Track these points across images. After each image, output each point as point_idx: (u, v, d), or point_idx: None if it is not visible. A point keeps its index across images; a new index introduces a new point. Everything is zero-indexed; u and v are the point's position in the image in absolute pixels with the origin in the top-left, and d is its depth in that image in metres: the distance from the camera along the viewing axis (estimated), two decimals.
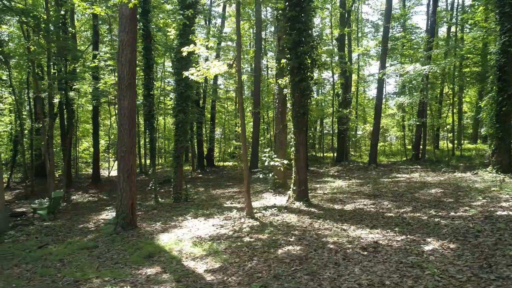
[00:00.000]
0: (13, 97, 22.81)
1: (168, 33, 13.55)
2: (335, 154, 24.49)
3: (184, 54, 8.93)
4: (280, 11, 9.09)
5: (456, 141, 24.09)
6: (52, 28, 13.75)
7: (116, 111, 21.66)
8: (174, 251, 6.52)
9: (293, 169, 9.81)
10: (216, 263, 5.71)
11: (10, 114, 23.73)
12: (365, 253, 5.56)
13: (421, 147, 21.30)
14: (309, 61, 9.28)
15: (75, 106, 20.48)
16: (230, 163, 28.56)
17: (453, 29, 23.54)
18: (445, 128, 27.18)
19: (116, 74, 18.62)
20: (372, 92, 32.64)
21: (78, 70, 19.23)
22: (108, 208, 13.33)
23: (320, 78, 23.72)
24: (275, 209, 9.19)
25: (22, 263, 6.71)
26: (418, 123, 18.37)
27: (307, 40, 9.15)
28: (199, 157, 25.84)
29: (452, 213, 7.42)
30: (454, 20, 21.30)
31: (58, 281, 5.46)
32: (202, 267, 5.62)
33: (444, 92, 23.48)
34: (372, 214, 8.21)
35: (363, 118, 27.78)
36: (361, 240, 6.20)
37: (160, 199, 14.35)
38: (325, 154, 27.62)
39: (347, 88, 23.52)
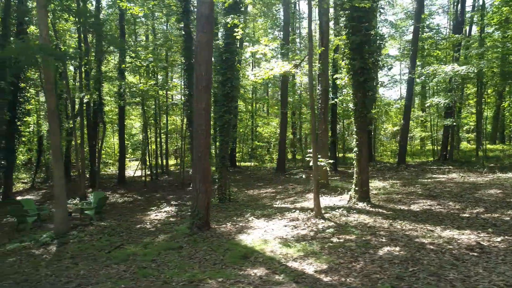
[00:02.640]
0: (40, 98, 22.84)
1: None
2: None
3: (248, 54, 8.90)
4: (347, 11, 9.08)
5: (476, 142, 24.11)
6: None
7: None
8: (267, 252, 6.51)
9: (355, 169, 9.82)
10: (321, 264, 5.71)
11: (33, 115, 23.69)
12: (474, 254, 5.57)
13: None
14: (373, 62, 9.28)
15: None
16: (250, 163, 28.53)
17: (475, 28, 23.56)
18: (464, 128, 27.22)
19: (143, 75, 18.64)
20: (388, 93, 32.65)
21: (104, 70, 19.25)
22: (153, 208, 13.31)
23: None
24: (342, 210, 9.18)
25: (112, 264, 6.69)
26: (449, 123, 18.36)
27: (372, 40, 9.16)
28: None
29: None
30: (479, 20, 21.29)
31: (170, 282, 5.44)
32: (309, 268, 5.62)
33: (467, 92, 23.50)
34: (445, 214, 8.21)
35: (385, 118, 27.77)
36: (459, 241, 6.20)
37: None
38: (348, 155, 27.62)
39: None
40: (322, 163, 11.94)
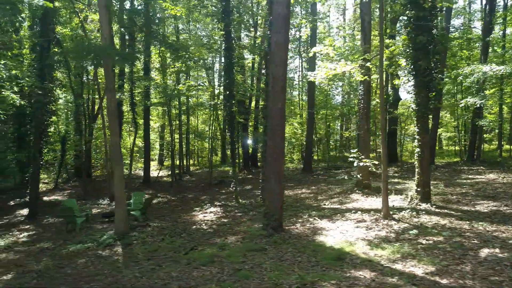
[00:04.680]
0: (69, 98, 22.76)
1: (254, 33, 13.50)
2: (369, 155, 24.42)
3: (311, 54, 8.85)
4: (413, 11, 9.01)
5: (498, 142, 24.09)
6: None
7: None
8: (359, 254, 6.45)
9: (416, 170, 9.76)
10: (427, 266, 5.64)
11: (61, 114, 23.60)
12: None
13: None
14: (435, 62, 9.23)
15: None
16: None
17: (497, 28, 23.51)
18: (483, 129, 27.14)
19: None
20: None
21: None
22: (196, 208, 13.24)
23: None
24: (409, 211, 9.11)
25: (199, 265, 6.60)
26: (485, 124, 18.32)
27: (437, 40, 9.10)
28: (244, 157, 25.73)
29: None
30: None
31: (281, 284, 5.36)
32: (416, 270, 5.55)
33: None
34: None
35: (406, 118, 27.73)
36: None
37: (240, 200, 14.26)
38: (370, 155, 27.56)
39: (397, 90, 23.48)
40: (368, 164, 11.90)
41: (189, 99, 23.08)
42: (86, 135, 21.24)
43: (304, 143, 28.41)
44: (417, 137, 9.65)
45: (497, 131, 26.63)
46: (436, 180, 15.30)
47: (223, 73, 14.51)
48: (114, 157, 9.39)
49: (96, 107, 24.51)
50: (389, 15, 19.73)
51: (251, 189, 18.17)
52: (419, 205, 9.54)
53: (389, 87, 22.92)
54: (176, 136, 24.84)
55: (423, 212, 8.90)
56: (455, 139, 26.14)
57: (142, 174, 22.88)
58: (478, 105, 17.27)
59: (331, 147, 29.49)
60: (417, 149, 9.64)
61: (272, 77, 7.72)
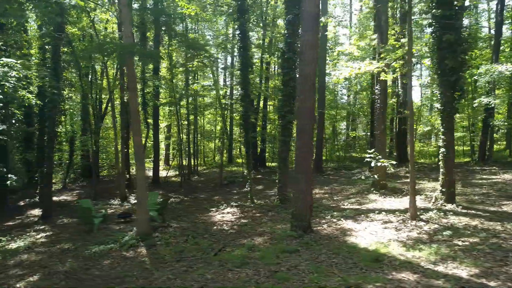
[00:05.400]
0: (74, 97, 22.68)
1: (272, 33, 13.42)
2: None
3: (335, 53, 8.74)
4: (440, 10, 8.93)
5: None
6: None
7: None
8: (396, 255, 6.36)
9: (441, 170, 9.68)
10: (470, 268, 5.56)
11: (69, 113, 23.51)
12: None
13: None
14: (461, 61, 9.14)
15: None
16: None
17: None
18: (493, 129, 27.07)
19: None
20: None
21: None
22: (212, 209, 13.13)
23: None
24: (435, 212, 9.02)
25: (233, 267, 6.50)
26: (501, 124, 18.25)
27: (464, 39, 9.02)
28: (253, 157, 25.58)
29: None
30: None
31: (324, 287, 5.27)
32: (460, 272, 5.46)
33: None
34: None
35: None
36: None
37: (255, 200, 14.16)
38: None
39: (407, 90, 23.38)
40: (385, 164, 11.81)
41: (195, 99, 23.02)
42: (93, 135, 21.13)
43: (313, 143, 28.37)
44: (442, 137, 9.56)
45: (503, 131, 26.63)
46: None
47: (239, 73, 14.35)
48: (137, 158, 9.29)
49: (103, 106, 24.44)
50: (397, 13, 19.68)
51: (263, 189, 18.07)
52: (444, 205, 9.45)
53: (399, 87, 22.86)
54: (184, 136, 24.76)
55: (451, 213, 8.81)
56: (464, 139, 26.06)
57: (151, 174, 22.74)
58: (492, 105, 17.24)
59: (338, 147, 29.42)
60: (442, 149, 9.55)
61: (301, 76, 7.63)
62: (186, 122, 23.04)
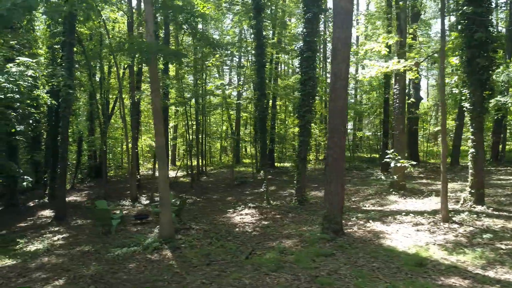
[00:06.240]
0: (85, 98, 22.49)
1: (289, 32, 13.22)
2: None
3: (362, 52, 8.55)
4: (471, 7, 8.72)
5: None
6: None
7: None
8: (439, 259, 6.15)
9: (470, 171, 9.48)
10: None
11: (78, 113, 23.33)
12: None
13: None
14: (491, 59, 8.95)
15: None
16: (288, 164, 28.12)
17: None
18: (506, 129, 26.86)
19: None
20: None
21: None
22: (230, 210, 12.93)
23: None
24: (467, 214, 8.81)
25: (268, 271, 6.29)
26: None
27: (495, 37, 8.82)
28: (261, 158, 25.36)
29: None
30: None
31: None
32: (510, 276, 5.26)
33: None
34: None
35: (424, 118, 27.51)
36: None
37: (271, 201, 13.95)
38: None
39: (417, 90, 23.21)
40: (406, 164, 11.63)
41: (204, 99, 22.81)
42: (101, 136, 20.92)
43: (322, 143, 28.16)
44: (471, 137, 9.36)
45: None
46: (468, 181, 14.99)
47: (253, 72, 14.13)
48: (160, 158, 9.08)
49: (110, 106, 24.24)
50: (409, 12, 19.46)
51: (276, 190, 17.87)
52: (474, 207, 9.24)
53: (410, 87, 22.67)
54: (192, 136, 24.56)
55: (483, 215, 8.60)
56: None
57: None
58: (509, 105, 17.05)
59: (346, 147, 29.20)
60: (472, 150, 9.34)
61: (333, 75, 7.42)
62: (194, 122, 22.80)
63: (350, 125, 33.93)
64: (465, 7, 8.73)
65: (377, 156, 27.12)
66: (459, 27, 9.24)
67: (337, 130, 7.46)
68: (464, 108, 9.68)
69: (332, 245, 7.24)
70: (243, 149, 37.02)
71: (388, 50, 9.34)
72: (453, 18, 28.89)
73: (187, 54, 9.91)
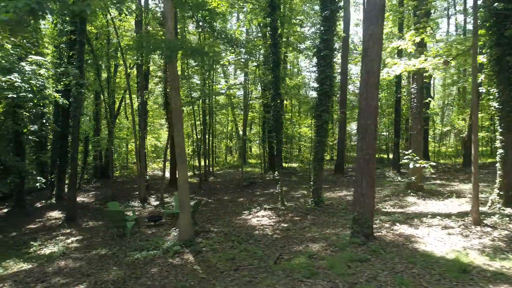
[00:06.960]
0: (94, 98, 22.22)
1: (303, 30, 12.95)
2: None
3: (388, 50, 8.28)
4: (502, 3, 8.45)
5: None
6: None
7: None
8: (482, 265, 5.88)
9: (498, 172, 9.20)
10: None
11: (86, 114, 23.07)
12: None
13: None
14: None
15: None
16: (296, 165, 27.86)
17: None
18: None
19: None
20: None
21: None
22: (245, 212, 12.64)
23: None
24: (498, 216, 8.55)
25: (302, 278, 6.01)
26: None
27: None
28: (269, 158, 25.12)
29: None
30: None
31: None
32: None
33: None
34: None
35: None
36: None
37: (285, 203, 13.67)
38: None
39: (428, 90, 22.94)
40: (425, 165, 11.35)
41: (212, 99, 22.54)
42: (108, 135, 20.66)
43: (330, 143, 27.86)
44: (499, 137, 9.09)
45: None
46: (485, 182, 14.74)
47: (268, 72, 13.87)
48: (180, 159, 8.80)
49: (116, 106, 23.98)
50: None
51: (287, 191, 17.55)
52: (503, 209, 8.97)
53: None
54: (198, 136, 24.28)
55: None
56: (486, 139, 25.62)
57: (168, 175, 22.20)
58: None
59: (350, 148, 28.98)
60: (500, 150, 9.07)
61: (365, 72, 7.16)
62: (200, 122, 22.55)
63: (354, 126, 33.74)
64: (496, 4, 8.46)
65: (385, 156, 26.87)
66: (487, 24, 8.97)
67: (369, 130, 7.19)
68: (492, 108, 9.40)
69: (364, 249, 6.96)
70: (249, 150, 36.77)
71: (414, 48, 9.06)
72: (459, 18, 28.68)
73: (208, 52, 9.63)
